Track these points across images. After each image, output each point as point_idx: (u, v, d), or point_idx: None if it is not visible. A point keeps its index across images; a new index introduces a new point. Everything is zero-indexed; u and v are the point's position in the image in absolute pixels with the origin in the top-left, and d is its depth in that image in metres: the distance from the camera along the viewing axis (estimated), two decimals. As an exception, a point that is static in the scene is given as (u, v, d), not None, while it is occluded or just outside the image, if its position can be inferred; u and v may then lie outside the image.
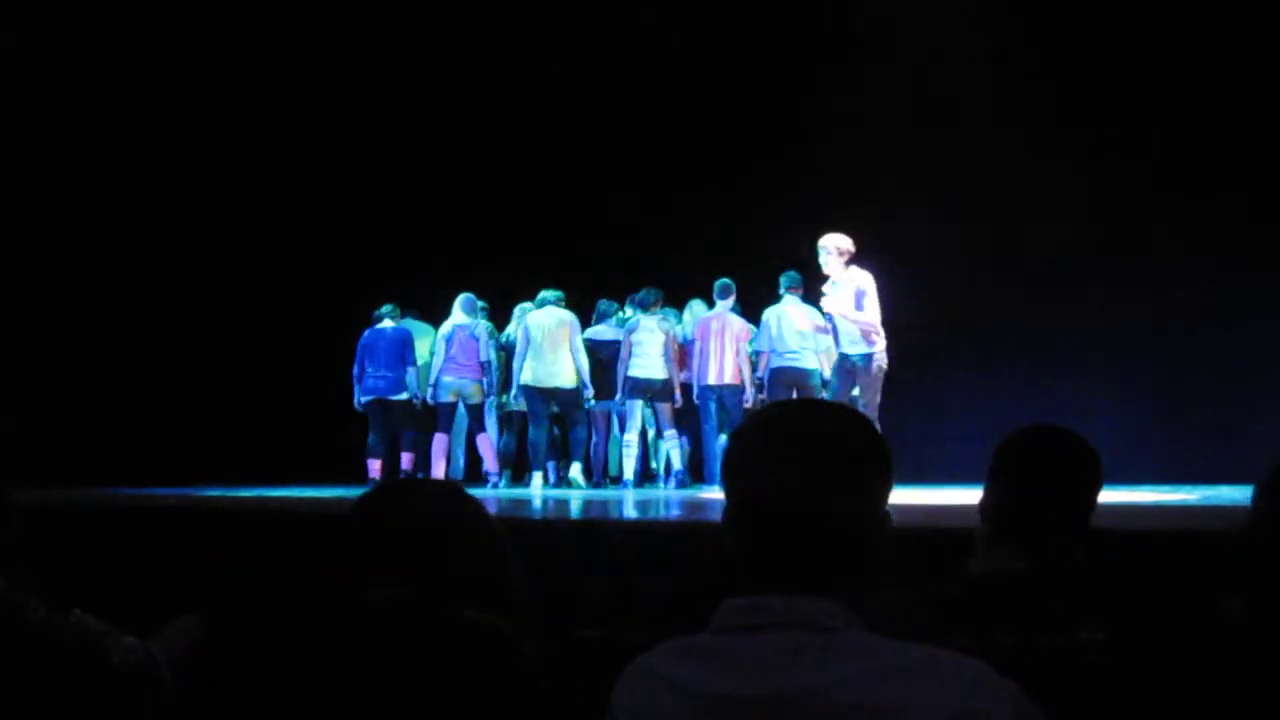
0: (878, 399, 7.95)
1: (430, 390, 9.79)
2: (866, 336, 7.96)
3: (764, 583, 1.53)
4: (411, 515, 1.80)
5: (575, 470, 9.47)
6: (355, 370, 9.84)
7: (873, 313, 7.99)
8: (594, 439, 10.31)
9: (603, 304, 10.18)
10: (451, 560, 1.71)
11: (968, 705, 1.39)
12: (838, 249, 8.09)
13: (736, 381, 9.37)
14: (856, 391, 8.32)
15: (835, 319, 8.13)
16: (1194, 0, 9.64)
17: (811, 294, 9.34)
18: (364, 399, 9.81)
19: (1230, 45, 9.36)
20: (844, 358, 8.13)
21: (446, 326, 9.80)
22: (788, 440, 1.57)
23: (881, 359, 8.00)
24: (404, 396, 9.78)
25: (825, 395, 9.06)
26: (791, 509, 1.53)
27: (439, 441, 9.86)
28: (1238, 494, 6.38)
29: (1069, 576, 2.27)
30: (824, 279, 8.33)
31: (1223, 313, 9.64)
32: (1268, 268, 9.39)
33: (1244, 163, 9.35)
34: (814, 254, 8.34)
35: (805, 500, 1.53)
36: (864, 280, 8.06)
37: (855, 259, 8.15)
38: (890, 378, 8.21)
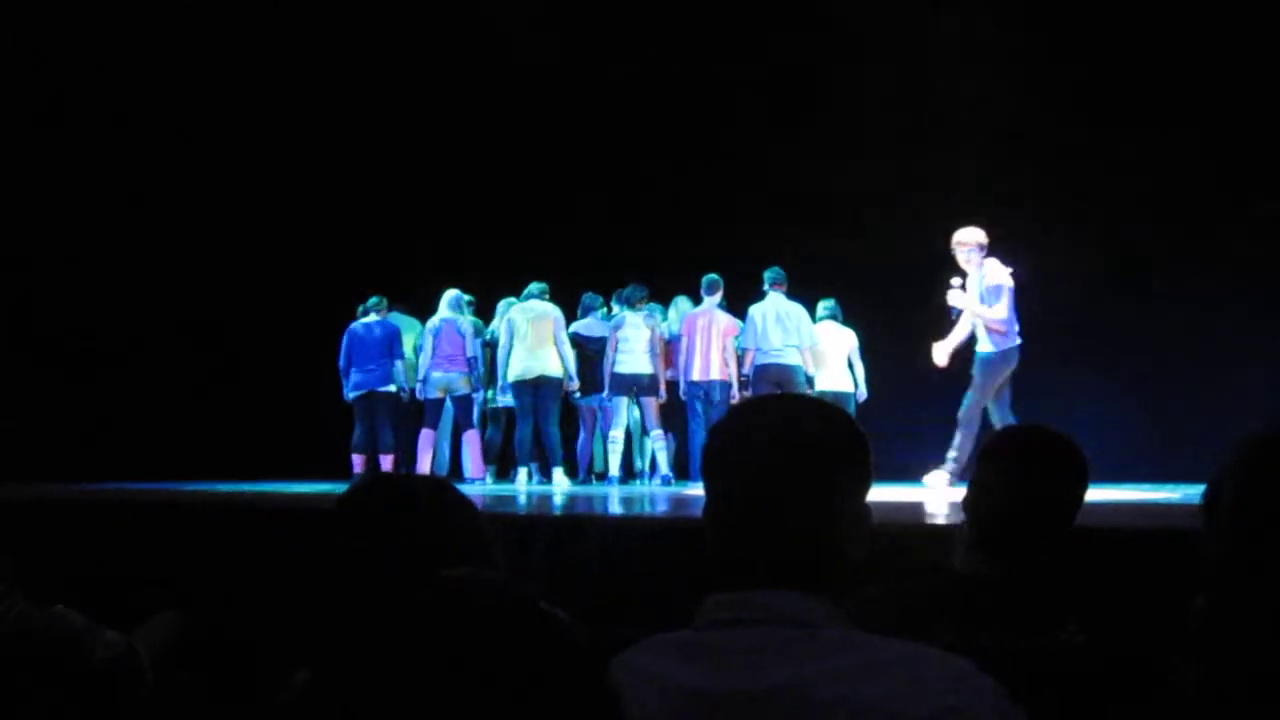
0: (982, 395, 7.76)
1: (419, 386, 9.79)
2: (991, 333, 7.78)
3: (746, 579, 1.53)
4: (400, 510, 1.79)
5: (558, 476, 9.43)
6: (341, 363, 9.83)
7: (1002, 308, 7.79)
8: (580, 435, 10.32)
9: (587, 298, 10.18)
10: (438, 554, 1.71)
11: (949, 701, 1.38)
12: (978, 243, 7.90)
13: (723, 377, 9.37)
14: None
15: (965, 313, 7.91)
16: (1190, 5, 9.68)
17: (796, 289, 9.35)
18: (351, 394, 9.81)
19: (1222, 48, 9.39)
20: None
21: (433, 322, 9.80)
22: (766, 436, 1.56)
23: (999, 359, 7.81)
24: (390, 389, 9.78)
25: (809, 391, 9.11)
26: (770, 505, 1.53)
27: (425, 436, 9.85)
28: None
29: (1041, 582, 2.27)
30: (809, 274, 8.30)
31: (1206, 309, 9.67)
32: (1251, 266, 9.43)
33: (1232, 162, 9.39)
34: (796, 250, 8.33)
35: (783, 497, 1.53)
36: (997, 275, 7.85)
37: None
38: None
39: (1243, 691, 1.58)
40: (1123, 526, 4.17)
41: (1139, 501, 6.56)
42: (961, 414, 7.80)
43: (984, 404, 7.81)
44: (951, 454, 7.80)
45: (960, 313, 8.03)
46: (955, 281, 8.06)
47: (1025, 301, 10.15)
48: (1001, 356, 7.83)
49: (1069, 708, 1.99)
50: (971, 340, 8.02)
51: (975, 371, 7.85)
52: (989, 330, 7.82)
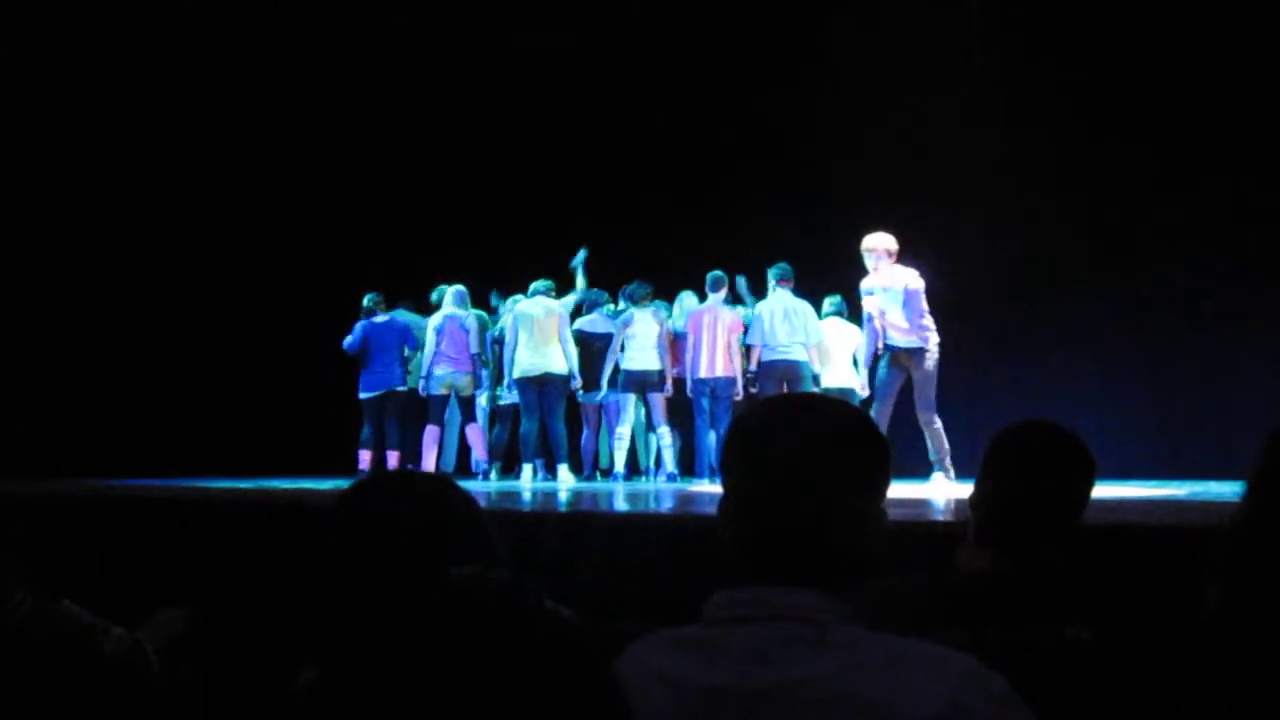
0: (933, 393, 7.92)
1: (423, 383, 9.82)
2: (919, 332, 7.93)
3: (758, 575, 1.53)
4: (400, 507, 1.79)
5: (563, 472, 9.44)
6: (351, 349, 9.86)
7: (924, 312, 7.96)
8: (584, 432, 10.32)
9: (593, 294, 10.17)
10: (440, 552, 1.71)
11: (957, 698, 1.39)
12: (887, 250, 8.04)
13: (728, 374, 9.36)
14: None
15: (875, 318, 8.10)
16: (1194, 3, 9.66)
17: (803, 285, 9.35)
18: (363, 393, 9.85)
19: (1221, 47, 9.37)
20: (893, 350, 8.05)
21: (437, 318, 9.82)
22: (787, 434, 1.57)
23: (935, 353, 7.96)
24: (400, 389, 9.84)
25: (814, 389, 9.11)
26: (788, 503, 1.54)
27: (430, 433, 9.88)
28: (1226, 489, 6.41)
29: (1048, 579, 2.27)
30: (816, 269, 8.32)
31: (1214, 308, 9.66)
32: (1255, 264, 9.42)
33: (1231, 160, 9.37)
34: (802, 245, 8.33)
35: (802, 494, 1.53)
36: (911, 279, 8.01)
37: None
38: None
39: (1252, 679, 1.58)
40: (1128, 523, 4.16)
41: (1144, 498, 6.56)
42: (924, 416, 7.91)
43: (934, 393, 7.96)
44: (933, 456, 7.92)
45: (871, 320, 8.18)
46: (865, 286, 8.16)
47: (1036, 300, 10.18)
48: (938, 352, 7.97)
49: (1075, 705, 1.99)
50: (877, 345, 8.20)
51: (925, 368, 7.91)
52: (922, 329, 7.93)
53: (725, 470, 1.62)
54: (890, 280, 8.03)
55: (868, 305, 8.17)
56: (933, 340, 7.97)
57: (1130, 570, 3.44)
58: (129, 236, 10.84)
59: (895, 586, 2.16)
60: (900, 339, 8.01)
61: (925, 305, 8.00)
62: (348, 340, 9.98)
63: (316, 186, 11.19)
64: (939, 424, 7.91)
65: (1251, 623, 1.61)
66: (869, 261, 8.08)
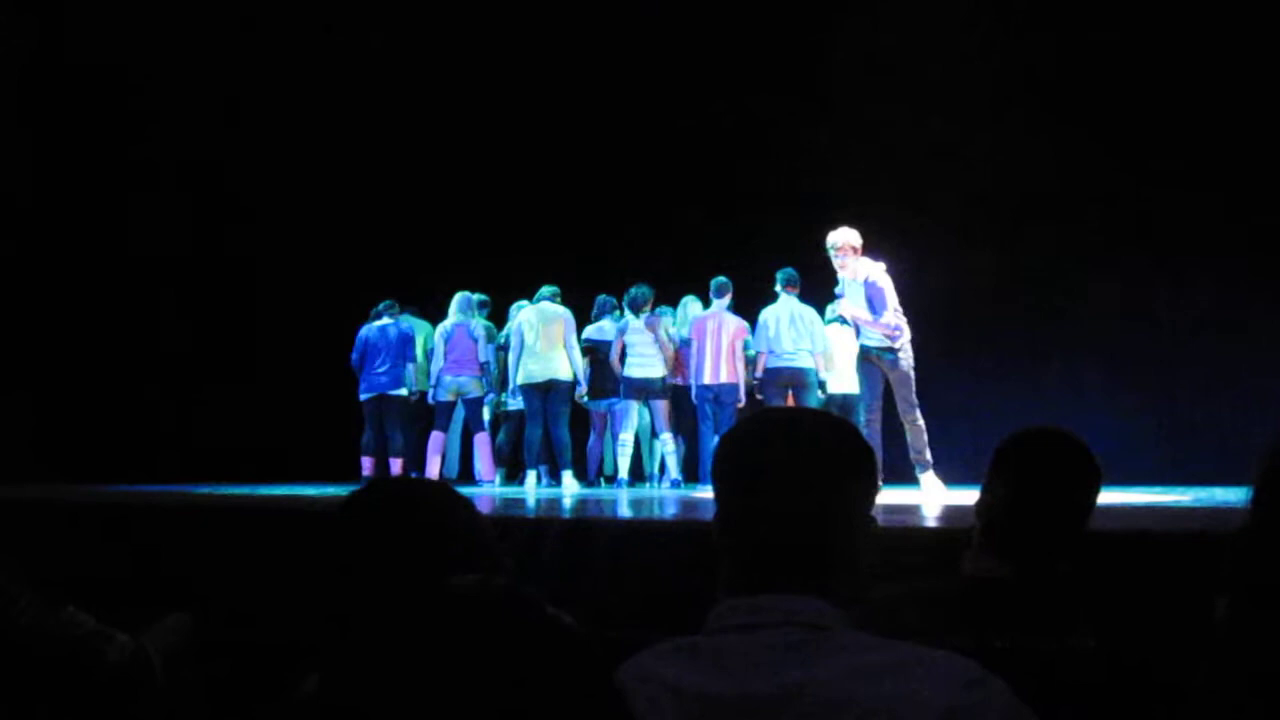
0: (912, 392, 7.83)
1: (431, 390, 9.80)
2: (886, 329, 7.83)
3: (755, 584, 1.54)
4: (402, 513, 1.79)
5: (567, 479, 9.44)
6: (354, 362, 9.84)
7: (886, 306, 7.84)
8: (590, 438, 10.32)
9: (601, 298, 10.17)
10: (441, 559, 1.71)
11: (958, 701, 1.40)
12: (850, 246, 7.93)
13: (732, 380, 9.34)
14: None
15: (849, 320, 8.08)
16: (1191, 3, 9.66)
17: (811, 290, 9.35)
18: (363, 396, 9.84)
19: (1225, 48, 9.37)
20: (865, 350, 8.00)
21: (444, 325, 9.82)
22: (775, 446, 1.59)
23: (907, 352, 7.86)
24: (402, 392, 9.81)
25: (820, 395, 9.09)
26: (779, 513, 1.55)
27: (434, 439, 9.87)
28: (1232, 495, 6.39)
29: (1053, 585, 2.27)
30: (822, 274, 8.30)
31: (1217, 314, 9.65)
32: (1261, 269, 9.41)
33: (1237, 164, 9.37)
34: (807, 250, 8.33)
35: (792, 504, 1.55)
36: (874, 272, 7.92)
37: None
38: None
39: (1259, 690, 1.58)
40: (1132, 530, 4.15)
41: (1148, 505, 6.55)
42: (907, 416, 7.85)
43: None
44: (912, 454, 7.85)
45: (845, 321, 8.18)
46: (839, 292, 8.14)
47: (1042, 306, 10.18)
48: (911, 350, 7.90)
49: (1078, 711, 1.99)
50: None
51: (899, 369, 7.83)
52: (889, 326, 7.84)
53: (718, 483, 1.64)
54: (853, 274, 7.97)
55: (840, 309, 8.19)
56: (903, 339, 7.86)
57: (1135, 577, 3.44)
58: (129, 237, 10.86)
59: (901, 592, 2.16)
60: (871, 338, 7.94)
61: (892, 300, 7.86)
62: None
63: (318, 187, 11.21)
64: (921, 421, 7.83)
65: (1260, 632, 1.61)
66: (835, 259, 8.00)
